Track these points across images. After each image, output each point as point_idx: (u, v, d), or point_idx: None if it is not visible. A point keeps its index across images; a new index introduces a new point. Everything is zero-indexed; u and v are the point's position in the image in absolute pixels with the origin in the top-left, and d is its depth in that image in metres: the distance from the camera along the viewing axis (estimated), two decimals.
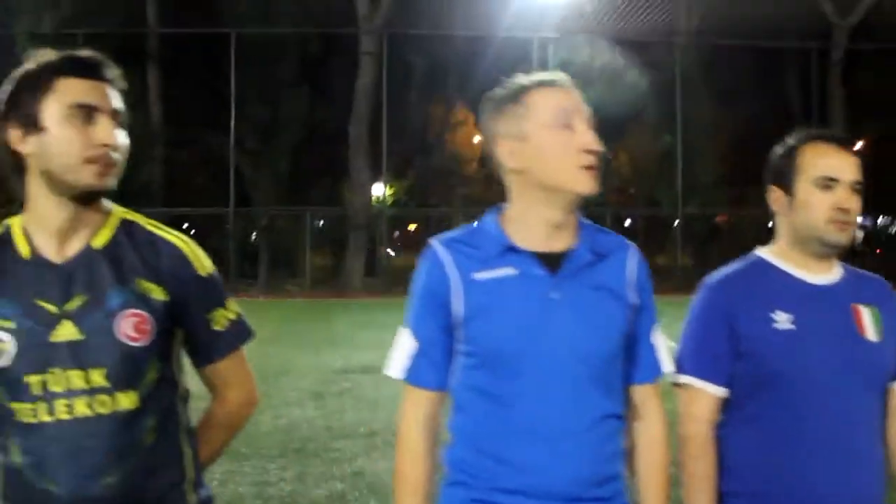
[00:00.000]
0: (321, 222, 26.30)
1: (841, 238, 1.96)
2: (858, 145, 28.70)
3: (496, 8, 22.51)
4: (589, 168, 1.71)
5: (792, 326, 1.97)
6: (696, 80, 23.86)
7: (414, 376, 1.81)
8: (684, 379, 2.03)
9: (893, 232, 32.00)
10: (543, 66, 23.19)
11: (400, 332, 1.86)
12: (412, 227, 32.50)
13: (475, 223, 1.85)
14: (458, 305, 1.75)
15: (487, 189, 33.49)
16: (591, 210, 26.25)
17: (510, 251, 1.75)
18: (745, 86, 24.91)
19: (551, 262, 1.74)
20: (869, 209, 29.25)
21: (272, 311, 17.02)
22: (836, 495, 1.93)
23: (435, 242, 1.83)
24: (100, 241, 1.71)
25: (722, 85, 24.30)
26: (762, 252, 2.11)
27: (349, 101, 23.36)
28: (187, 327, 1.78)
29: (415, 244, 29.32)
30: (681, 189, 23.84)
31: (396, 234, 30.13)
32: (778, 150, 2.09)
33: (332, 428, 6.76)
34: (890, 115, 25.80)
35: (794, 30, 23.56)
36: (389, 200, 25.58)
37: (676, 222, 24.81)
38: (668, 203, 24.79)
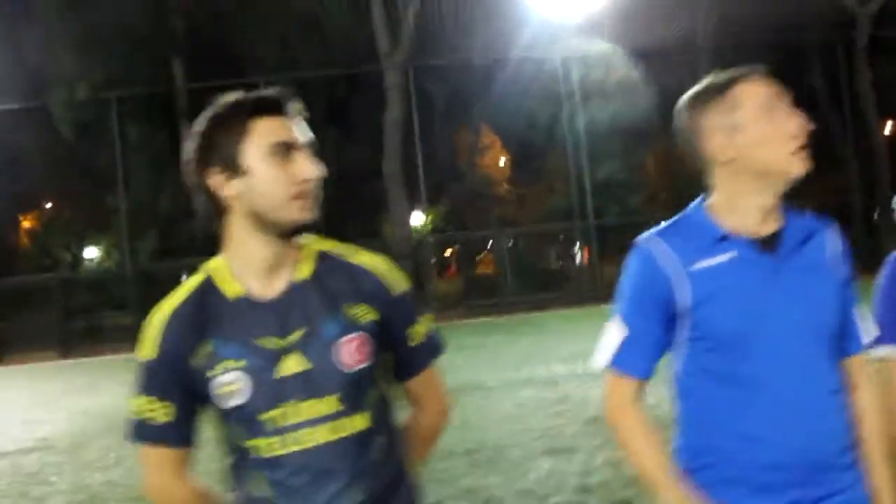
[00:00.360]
0: None
1: None
2: (888, 128, 28.64)
3: (515, 31, 22.81)
4: (800, 150, 1.80)
5: None
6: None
7: (622, 363, 1.89)
8: (889, 351, 2.11)
9: None
10: (568, 85, 23.46)
11: (610, 323, 1.94)
12: (448, 252, 32.83)
13: (679, 216, 1.95)
14: (682, 295, 1.83)
15: (520, 208, 33.79)
16: (632, 218, 26.44)
17: (725, 238, 1.83)
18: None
19: (766, 244, 1.83)
20: None
21: None
22: None
23: (647, 237, 1.92)
24: (303, 273, 1.75)
25: None
26: None
27: (377, 136, 23.72)
28: (389, 345, 1.82)
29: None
30: None
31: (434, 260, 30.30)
32: None
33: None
34: None
35: (815, 23, 23.64)
36: (429, 227, 25.79)
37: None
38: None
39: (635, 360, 1.90)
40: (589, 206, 24.37)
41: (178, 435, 1.76)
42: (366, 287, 1.78)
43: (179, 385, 1.72)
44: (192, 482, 1.82)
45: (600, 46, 22.69)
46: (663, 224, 1.94)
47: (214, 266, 1.77)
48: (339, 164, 24.12)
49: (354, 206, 25.91)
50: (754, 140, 1.80)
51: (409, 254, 23.22)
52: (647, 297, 1.88)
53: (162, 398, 1.73)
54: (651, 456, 1.87)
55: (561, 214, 26.53)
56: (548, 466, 6.16)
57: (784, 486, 1.79)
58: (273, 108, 1.71)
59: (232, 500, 1.81)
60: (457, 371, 11.58)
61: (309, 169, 1.69)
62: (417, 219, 26.01)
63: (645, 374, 1.91)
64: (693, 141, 1.90)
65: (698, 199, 1.94)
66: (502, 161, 34.50)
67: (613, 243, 27.55)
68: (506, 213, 31.73)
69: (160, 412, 1.73)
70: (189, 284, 1.78)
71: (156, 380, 1.74)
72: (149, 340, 1.74)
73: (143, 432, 1.76)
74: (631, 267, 1.94)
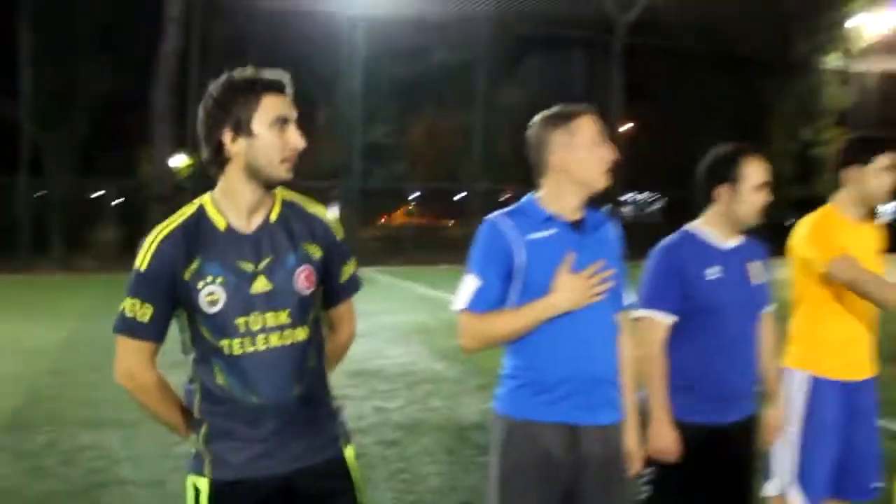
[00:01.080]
0: (117, 194, 25.18)
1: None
2: (629, 126, 31.59)
3: None
4: (608, 172, 2.63)
5: (719, 276, 3.02)
6: (492, 61, 25.31)
7: (475, 306, 2.59)
8: (644, 313, 3.03)
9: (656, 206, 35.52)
10: (351, 44, 23.68)
11: (466, 277, 2.63)
12: None
13: (515, 205, 2.70)
14: (519, 257, 2.56)
15: None
16: (395, 184, 27.29)
17: (550, 219, 2.61)
18: (536, 70, 26.85)
19: (576, 226, 2.63)
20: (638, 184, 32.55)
21: (73, 288, 16.44)
22: (738, 383, 3.05)
23: (494, 215, 2.65)
24: (274, 215, 2.26)
25: (516, 67, 26.00)
26: (691, 227, 3.15)
27: (150, 68, 22.53)
28: (325, 278, 2.35)
29: None
30: (478, 164, 25.21)
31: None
32: (720, 158, 3.08)
33: None
34: (657, 101, 29.01)
35: (583, 21, 25.47)
36: (187, 171, 24.84)
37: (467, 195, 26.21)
38: (466, 177, 26.17)
39: (483, 303, 2.60)
40: (356, 168, 24.83)
41: (155, 331, 2.22)
42: (318, 231, 2.32)
43: (165, 292, 2.19)
44: (156, 371, 2.28)
45: (388, 10, 23.09)
46: (504, 209, 2.69)
47: (206, 201, 2.26)
48: (105, 92, 22.69)
49: (117, 139, 24.41)
50: (582, 160, 2.61)
51: (168, 195, 22.13)
52: (494, 256, 2.59)
53: (147, 301, 2.19)
54: (505, 316, 2.59)
55: (327, 173, 26.83)
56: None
57: (576, 393, 2.59)
58: (278, 88, 2.22)
59: (188, 391, 2.31)
60: None
61: (299, 140, 2.22)
62: (179, 161, 24.94)
63: (488, 309, 2.61)
64: (540, 149, 2.65)
65: (528, 195, 2.71)
66: None
67: (373, 207, 28.37)
68: None
69: (143, 312, 2.20)
70: (183, 212, 2.25)
71: (145, 286, 2.20)
72: (144, 254, 2.20)
73: (127, 327, 2.22)
74: (482, 234, 2.64)
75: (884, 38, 30.81)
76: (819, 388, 3.36)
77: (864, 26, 30.19)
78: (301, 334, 2.25)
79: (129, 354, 2.25)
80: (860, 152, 3.36)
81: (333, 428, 2.39)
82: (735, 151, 3.06)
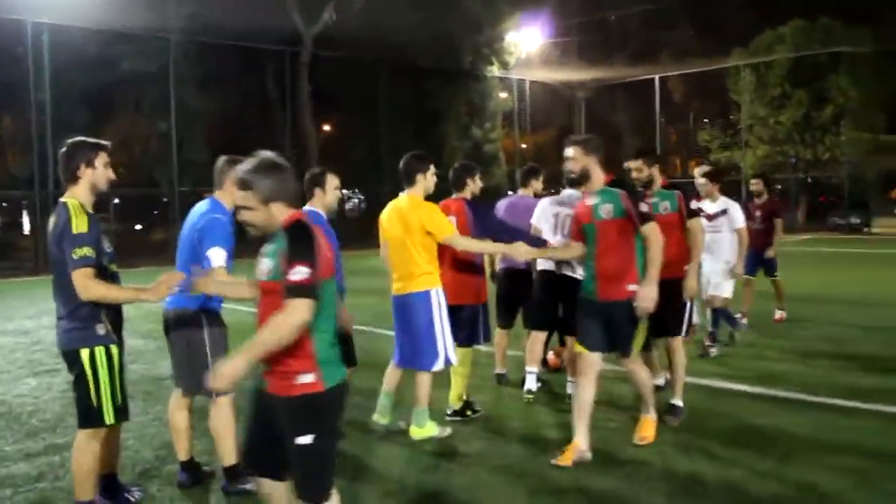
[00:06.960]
0: None
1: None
2: (326, 127, 33.68)
3: None
4: None
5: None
6: (187, 71, 26.13)
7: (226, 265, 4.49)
8: None
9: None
10: (38, 52, 23.46)
11: (217, 249, 4.45)
12: None
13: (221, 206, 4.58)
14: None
15: None
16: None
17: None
18: (232, 79, 28.07)
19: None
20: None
21: None
22: None
23: (220, 214, 4.60)
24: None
25: (211, 76, 26.98)
26: (311, 207, 5.29)
27: None
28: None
29: None
30: (176, 169, 25.92)
31: None
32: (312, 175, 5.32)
33: None
34: (345, 108, 31.37)
35: (273, 34, 26.98)
36: None
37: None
38: (165, 182, 26.71)
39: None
40: (50, 176, 24.60)
41: (98, 261, 4.11)
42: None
43: (98, 241, 4.12)
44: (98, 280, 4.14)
45: (76, 18, 23.13)
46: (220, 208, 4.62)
47: (79, 201, 4.18)
48: None
49: None
50: None
51: None
52: (229, 236, 4.49)
53: (93, 246, 4.09)
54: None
55: (20, 182, 26.14)
56: (34, 382, 7.95)
57: None
58: (104, 147, 4.38)
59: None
60: None
61: (111, 177, 4.37)
62: None
63: None
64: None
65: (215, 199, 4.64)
66: None
67: None
68: None
69: (93, 252, 4.08)
70: (79, 206, 4.14)
71: (89, 239, 4.08)
72: (84, 225, 4.09)
73: (88, 261, 4.05)
74: (223, 224, 4.53)
75: (533, 53, 35.88)
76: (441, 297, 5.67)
77: (518, 43, 34.91)
78: (114, 268, 4.41)
79: (89, 275, 4.05)
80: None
81: None
82: (321, 171, 5.41)
